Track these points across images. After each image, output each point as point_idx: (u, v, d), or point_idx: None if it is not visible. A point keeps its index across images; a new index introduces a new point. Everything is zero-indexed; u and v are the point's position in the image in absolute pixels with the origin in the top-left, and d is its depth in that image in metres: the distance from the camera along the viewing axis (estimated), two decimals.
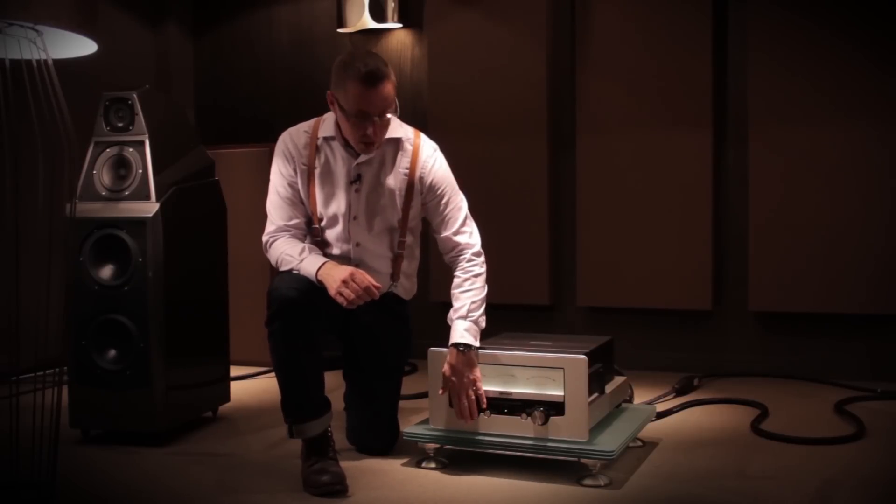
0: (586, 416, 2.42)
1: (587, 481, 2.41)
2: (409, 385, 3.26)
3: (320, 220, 2.67)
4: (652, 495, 2.34)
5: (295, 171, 2.66)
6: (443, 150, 2.75)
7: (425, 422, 2.64)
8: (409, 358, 3.02)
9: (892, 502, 2.32)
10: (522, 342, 2.70)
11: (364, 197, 2.64)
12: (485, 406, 2.52)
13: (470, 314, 2.58)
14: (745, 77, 3.88)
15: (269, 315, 2.44)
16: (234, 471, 2.60)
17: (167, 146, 2.96)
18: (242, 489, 2.43)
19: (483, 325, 2.61)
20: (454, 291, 2.64)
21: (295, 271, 2.52)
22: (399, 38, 4.51)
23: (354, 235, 2.65)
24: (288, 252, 2.57)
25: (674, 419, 3.14)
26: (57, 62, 2.28)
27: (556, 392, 2.44)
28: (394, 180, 2.66)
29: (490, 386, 2.53)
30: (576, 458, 2.42)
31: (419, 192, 2.68)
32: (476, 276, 2.65)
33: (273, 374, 2.60)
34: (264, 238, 2.66)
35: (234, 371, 3.62)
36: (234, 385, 3.50)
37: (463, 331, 2.55)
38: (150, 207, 2.83)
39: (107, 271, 2.86)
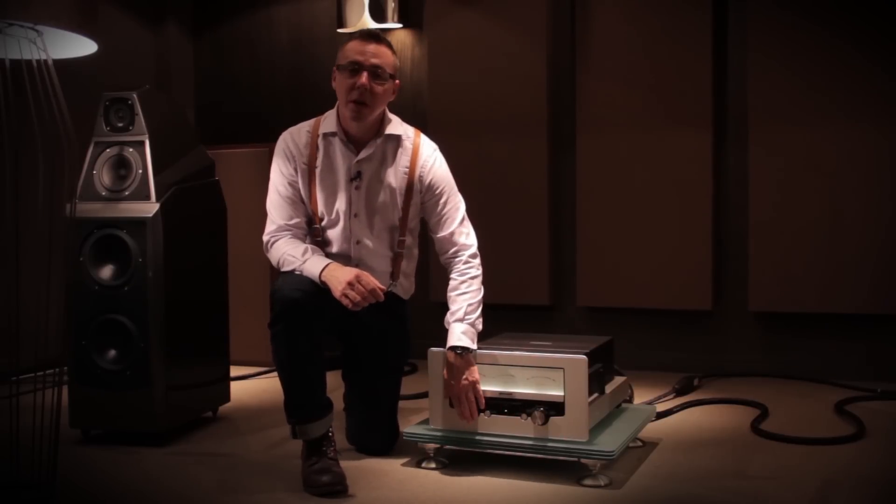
0: (586, 416, 2.42)
1: (587, 481, 2.41)
2: (409, 385, 3.27)
3: (321, 219, 2.67)
4: (652, 495, 2.34)
5: (296, 170, 2.67)
6: (443, 150, 2.75)
7: (425, 422, 2.64)
8: (409, 358, 3.02)
9: (891, 502, 2.32)
10: (522, 342, 2.70)
11: (364, 194, 2.65)
12: (483, 407, 2.52)
13: (467, 317, 2.58)
14: (745, 77, 3.88)
15: (272, 316, 2.44)
16: (235, 471, 2.60)
17: (167, 146, 2.96)
18: (243, 489, 2.43)
19: (480, 327, 2.61)
20: (451, 294, 2.64)
21: (298, 272, 2.52)
22: (399, 38, 4.51)
23: (355, 233, 2.65)
24: (290, 253, 2.57)
25: (674, 419, 3.14)
26: (57, 62, 2.28)
27: (556, 392, 2.44)
28: (394, 178, 2.66)
29: (490, 386, 2.53)
30: (576, 459, 2.42)
31: (418, 192, 2.68)
32: (472, 278, 2.65)
33: (274, 374, 2.60)
34: (265, 238, 2.66)
35: (234, 371, 3.62)
36: (234, 385, 3.50)
37: (460, 334, 2.55)
38: (150, 207, 2.83)
39: (107, 271, 2.86)
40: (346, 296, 2.41)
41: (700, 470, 2.54)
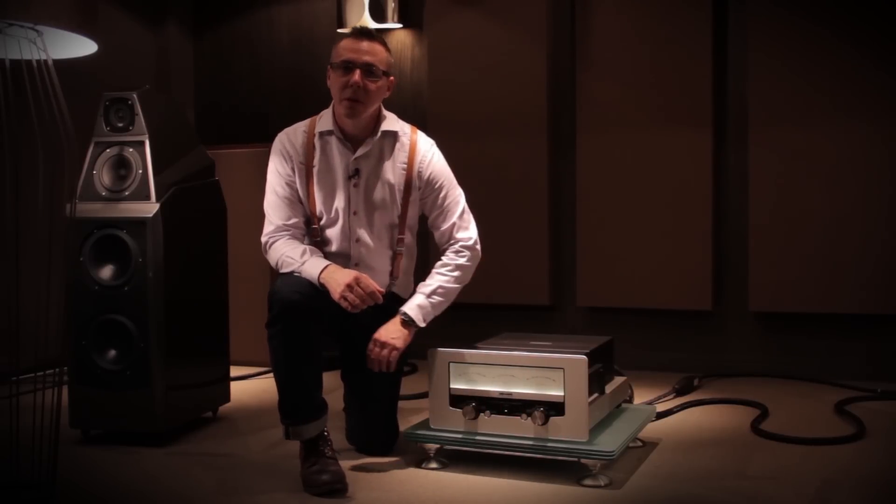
0: (586, 416, 2.42)
1: (587, 481, 2.41)
2: (409, 385, 3.27)
3: (320, 218, 2.67)
4: (652, 495, 2.34)
5: (293, 169, 2.67)
6: (442, 149, 2.76)
7: (425, 422, 2.64)
8: (409, 358, 3.02)
9: (891, 502, 2.32)
10: (522, 342, 2.70)
11: (363, 191, 2.65)
12: (392, 369, 2.56)
13: (432, 296, 2.62)
14: (745, 77, 3.88)
15: (270, 318, 2.44)
16: (235, 471, 2.60)
17: (167, 146, 2.96)
18: (243, 489, 2.43)
19: (437, 313, 2.64)
20: (433, 270, 2.68)
21: (296, 273, 2.52)
22: (399, 38, 4.51)
23: (355, 231, 2.65)
24: (289, 254, 2.57)
25: (674, 419, 3.14)
26: (57, 62, 2.28)
27: (556, 392, 2.44)
28: (392, 175, 2.66)
29: (490, 386, 2.53)
30: (576, 459, 2.42)
31: (417, 188, 2.69)
32: (458, 266, 2.67)
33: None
34: (263, 239, 2.66)
35: (234, 371, 3.62)
36: (234, 385, 3.50)
37: (416, 305, 2.59)
38: (150, 207, 2.83)
39: (107, 271, 2.86)
40: (344, 298, 2.42)
41: (700, 470, 2.54)
